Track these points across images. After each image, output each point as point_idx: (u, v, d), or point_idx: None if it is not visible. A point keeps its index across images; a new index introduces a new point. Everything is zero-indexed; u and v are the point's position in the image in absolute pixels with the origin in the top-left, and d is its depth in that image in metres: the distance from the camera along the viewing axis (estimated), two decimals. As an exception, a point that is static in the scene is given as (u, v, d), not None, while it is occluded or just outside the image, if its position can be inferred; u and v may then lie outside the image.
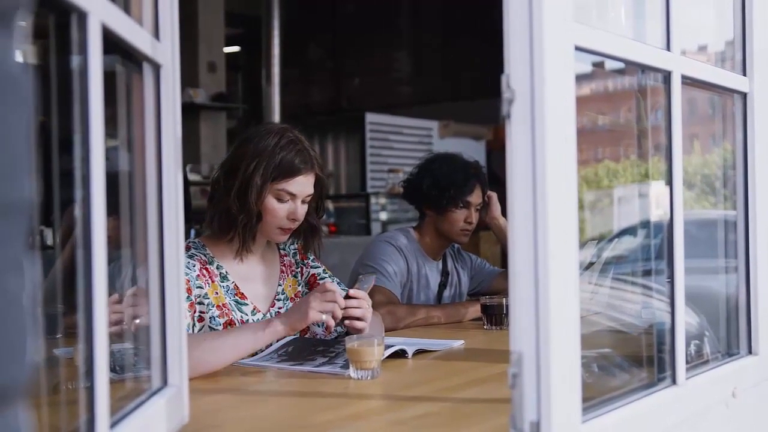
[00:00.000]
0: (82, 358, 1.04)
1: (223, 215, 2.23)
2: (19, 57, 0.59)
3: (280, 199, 2.23)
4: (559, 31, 1.21)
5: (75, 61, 1.03)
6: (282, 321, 2.07)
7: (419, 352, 2.20)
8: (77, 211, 1.03)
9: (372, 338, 1.92)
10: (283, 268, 2.41)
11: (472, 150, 7.37)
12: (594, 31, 1.34)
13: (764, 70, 1.87)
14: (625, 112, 2.12)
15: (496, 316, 2.68)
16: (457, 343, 2.37)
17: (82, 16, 1.01)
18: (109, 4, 1.09)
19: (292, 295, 2.39)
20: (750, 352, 1.84)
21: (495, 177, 3.27)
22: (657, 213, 1.94)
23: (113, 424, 1.10)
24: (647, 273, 1.96)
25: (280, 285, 2.38)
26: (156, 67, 1.36)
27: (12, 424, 0.57)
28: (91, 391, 1.02)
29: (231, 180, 2.21)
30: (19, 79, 0.58)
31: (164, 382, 1.38)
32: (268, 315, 2.29)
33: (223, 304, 2.21)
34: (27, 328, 0.58)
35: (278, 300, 2.35)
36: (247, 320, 2.24)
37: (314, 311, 2.05)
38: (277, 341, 2.16)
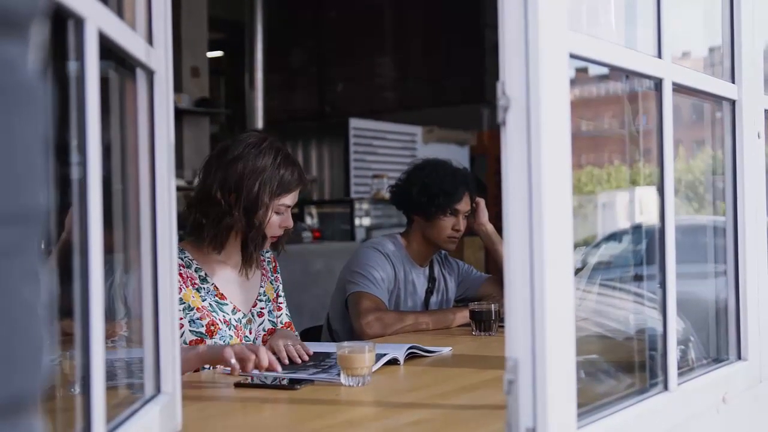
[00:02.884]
0: (77, 364, 1.03)
1: (225, 232, 2.30)
2: (34, 64, 0.59)
3: (278, 213, 2.33)
4: (554, 38, 1.21)
5: (71, 66, 1.03)
6: (206, 347, 2.09)
7: (411, 357, 2.20)
8: (74, 218, 1.02)
9: (363, 345, 1.92)
10: (264, 271, 2.50)
11: (456, 155, 7.38)
12: (588, 39, 1.35)
13: (752, 77, 1.88)
14: (608, 118, 2.13)
15: (484, 322, 2.68)
16: (446, 350, 2.37)
17: (79, 22, 1.01)
18: (106, 10, 1.09)
19: (273, 298, 2.49)
20: (739, 357, 1.85)
21: (479, 182, 3.28)
22: (642, 218, 1.95)
23: (109, 433, 1.09)
24: (634, 279, 1.97)
25: (262, 287, 2.47)
26: (149, 74, 1.36)
27: None
28: (87, 399, 1.01)
29: (229, 196, 2.27)
30: (35, 88, 0.58)
31: (157, 389, 1.37)
32: (249, 315, 2.38)
33: (202, 307, 2.27)
34: (42, 338, 0.58)
35: (260, 300, 2.44)
36: (229, 319, 2.30)
37: (229, 351, 1.94)
38: None
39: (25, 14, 0.57)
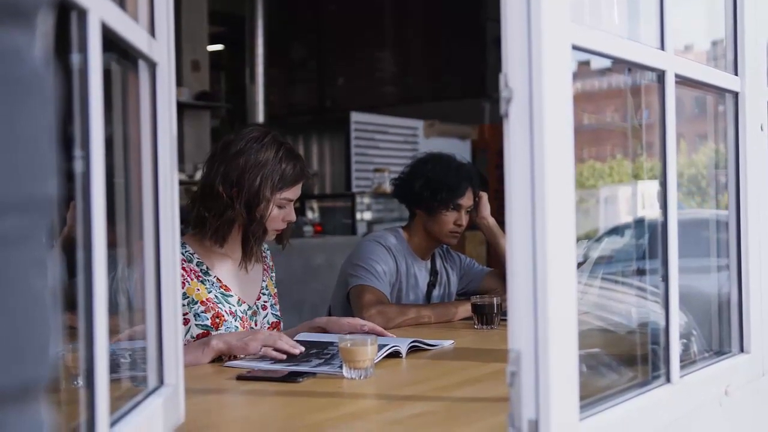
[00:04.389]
0: (81, 357, 1.03)
1: (227, 225, 2.31)
2: (40, 54, 0.59)
3: (279, 207, 2.34)
4: (557, 30, 1.21)
5: (74, 58, 1.02)
6: (222, 340, 2.11)
7: (413, 350, 2.21)
8: (77, 211, 1.02)
9: (365, 338, 1.92)
10: (265, 266, 2.53)
11: (458, 150, 7.37)
12: (591, 31, 1.34)
13: (755, 69, 1.88)
14: (611, 112, 2.13)
15: (486, 316, 2.68)
16: (448, 343, 2.38)
17: (82, 14, 1.01)
18: (108, 2, 1.09)
19: (273, 293, 2.52)
20: (742, 350, 1.85)
21: (481, 177, 3.28)
22: (645, 212, 1.95)
23: (112, 424, 1.09)
24: (637, 272, 1.97)
25: (264, 281, 2.49)
26: (152, 65, 1.35)
27: (35, 420, 0.57)
28: (91, 391, 1.01)
29: (231, 190, 2.28)
30: (43, 77, 0.58)
31: (161, 381, 1.37)
32: (255, 307, 2.41)
33: (207, 299, 2.28)
34: (50, 326, 0.58)
35: (263, 294, 2.47)
36: (235, 311, 2.32)
37: (255, 346, 2.08)
38: None
39: (32, 3, 0.57)
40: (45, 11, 0.60)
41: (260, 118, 8.87)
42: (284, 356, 2.06)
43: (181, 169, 7.35)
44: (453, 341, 2.39)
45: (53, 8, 0.64)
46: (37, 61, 0.59)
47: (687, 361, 1.73)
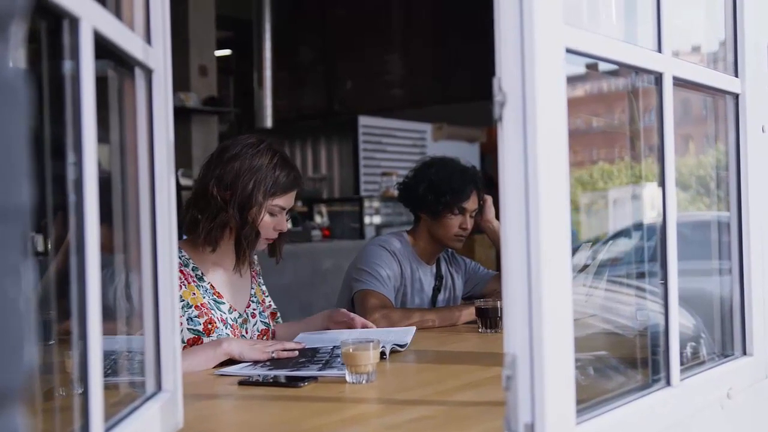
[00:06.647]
0: (75, 364, 1.04)
1: (219, 228, 2.32)
2: (14, 62, 0.59)
3: (271, 214, 2.36)
4: (550, 33, 1.21)
5: (67, 66, 1.03)
6: (233, 344, 2.16)
7: (421, 352, 2.27)
8: (70, 217, 1.02)
9: (368, 342, 1.92)
10: (254, 273, 2.55)
11: (466, 153, 7.39)
12: (585, 33, 1.34)
13: (756, 71, 1.87)
14: (619, 114, 2.12)
15: (490, 319, 2.67)
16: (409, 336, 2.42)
17: (74, 22, 1.01)
18: (101, 10, 1.09)
19: (261, 300, 2.54)
20: (744, 353, 1.84)
21: (489, 179, 3.27)
22: (651, 215, 1.95)
23: (108, 429, 1.10)
24: (642, 275, 1.96)
25: (252, 288, 2.51)
26: (148, 72, 1.36)
27: (9, 427, 0.57)
28: (85, 397, 1.02)
29: (224, 193, 2.31)
30: (16, 85, 0.58)
31: (158, 387, 1.38)
32: (245, 315, 2.43)
33: (201, 304, 2.31)
34: (24, 333, 0.58)
35: (252, 302, 2.49)
36: (225, 318, 2.35)
37: (267, 351, 2.16)
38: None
39: (5, 13, 0.57)
40: (19, 20, 0.61)
41: (268, 122, 8.87)
42: (296, 353, 2.17)
43: (188, 175, 7.35)
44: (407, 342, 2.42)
45: (27, 17, 0.65)
46: (11, 70, 0.59)
47: (694, 364, 1.72)
